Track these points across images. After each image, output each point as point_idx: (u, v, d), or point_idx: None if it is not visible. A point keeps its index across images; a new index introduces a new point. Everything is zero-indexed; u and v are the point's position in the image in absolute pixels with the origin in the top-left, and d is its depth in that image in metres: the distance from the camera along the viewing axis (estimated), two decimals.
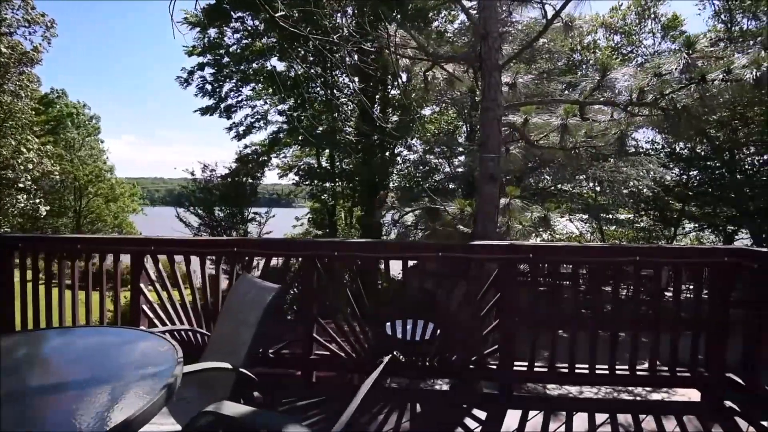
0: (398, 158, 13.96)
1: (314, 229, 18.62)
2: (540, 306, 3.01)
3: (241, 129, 15.55)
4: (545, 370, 2.80)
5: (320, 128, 12.84)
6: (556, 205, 8.54)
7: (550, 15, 4.61)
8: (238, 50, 14.77)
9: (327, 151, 15.69)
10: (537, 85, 9.35)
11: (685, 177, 15.27)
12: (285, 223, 20.48)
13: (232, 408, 1.51)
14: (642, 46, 19.79)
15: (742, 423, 2.53)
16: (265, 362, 2.87)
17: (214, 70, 14.87)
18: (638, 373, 2.75)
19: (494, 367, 2.83)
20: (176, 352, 1.57)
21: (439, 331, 2.99)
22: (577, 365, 2.80)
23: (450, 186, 11.93)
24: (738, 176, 14.65)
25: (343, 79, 14.01)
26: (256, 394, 2.14)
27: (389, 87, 13.87)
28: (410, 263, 2.81)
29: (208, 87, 15.27)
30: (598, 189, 14.19)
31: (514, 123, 4.28)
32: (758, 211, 13.54)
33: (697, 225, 15.67)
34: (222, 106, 15.28)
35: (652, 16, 21.05)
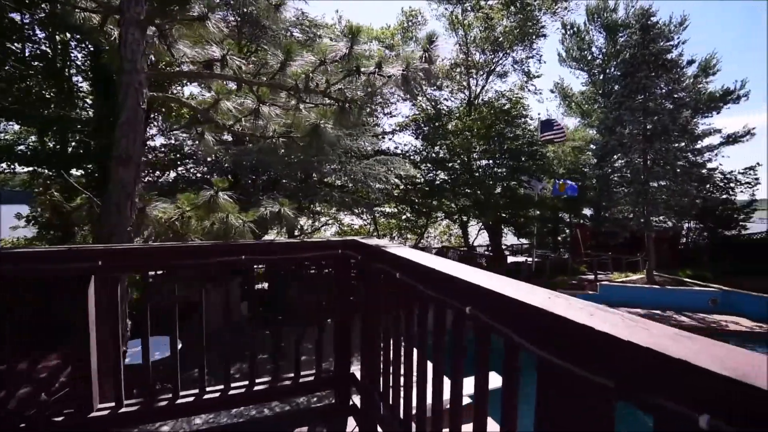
0: (149, 142, 11.71)
1: (41, 231, 14.30)
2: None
3: None
4: (137, 408, 2.16)
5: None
6: (291, 200, 8.43)
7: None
8: None
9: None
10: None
11: (432, 175, 18.04)
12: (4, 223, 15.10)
13: None
14: None
15: (351, 422, 2.45)
16: None
17: None
18: (256, 388, 2.41)
19: (62, 418, 2.03)
20: None
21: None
22: (181, 393, 2.27)
23: (209, 177, 10.63)
24: (471, 176, 18.23)
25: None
26: None
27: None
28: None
29: None
30: (368, 184, 15.34)
31: (182, 100, 3.57)
32: (480, 203, 17.13)
33: (442, 215, 18.83)
34: None
35: (414, 38, 24.74)
